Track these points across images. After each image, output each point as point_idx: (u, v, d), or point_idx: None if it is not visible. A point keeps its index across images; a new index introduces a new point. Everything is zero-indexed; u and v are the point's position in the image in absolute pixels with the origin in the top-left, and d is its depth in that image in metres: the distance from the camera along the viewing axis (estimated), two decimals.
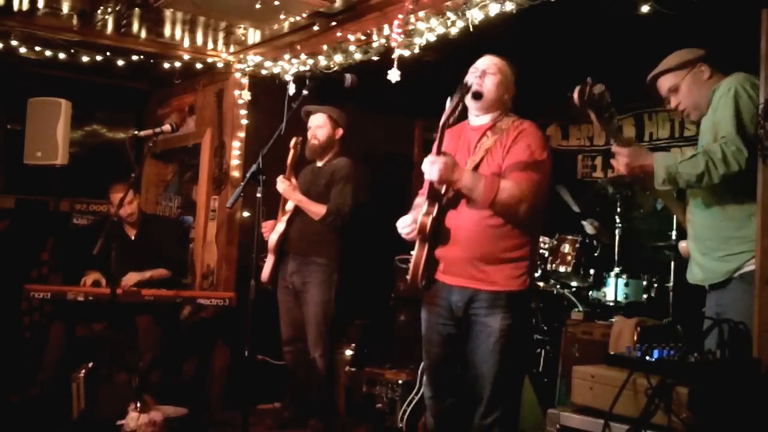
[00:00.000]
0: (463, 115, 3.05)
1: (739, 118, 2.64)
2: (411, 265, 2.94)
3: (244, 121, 5.47)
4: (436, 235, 2.89)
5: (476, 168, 2.91)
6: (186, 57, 5.30)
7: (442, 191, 2.91)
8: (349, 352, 4.94)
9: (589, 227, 4.72)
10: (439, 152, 2.80)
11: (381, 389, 4.55)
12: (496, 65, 3.05)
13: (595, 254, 4.63)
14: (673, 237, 4.28)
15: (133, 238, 5.02)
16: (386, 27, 4.06)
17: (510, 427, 2.93)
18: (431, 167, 2.78)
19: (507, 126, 2.97)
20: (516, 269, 2.87)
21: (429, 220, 2.87)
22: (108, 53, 5.11)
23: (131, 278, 4.70)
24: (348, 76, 3.70)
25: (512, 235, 2.87)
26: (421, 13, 3.84)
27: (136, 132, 4.77)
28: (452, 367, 2.99)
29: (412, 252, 2.98)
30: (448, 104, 2.81)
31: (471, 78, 2.99)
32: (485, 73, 3.02)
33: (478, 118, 3.07)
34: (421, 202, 3.08)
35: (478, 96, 2.95)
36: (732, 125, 2.63)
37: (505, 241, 2.87)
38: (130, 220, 4.97)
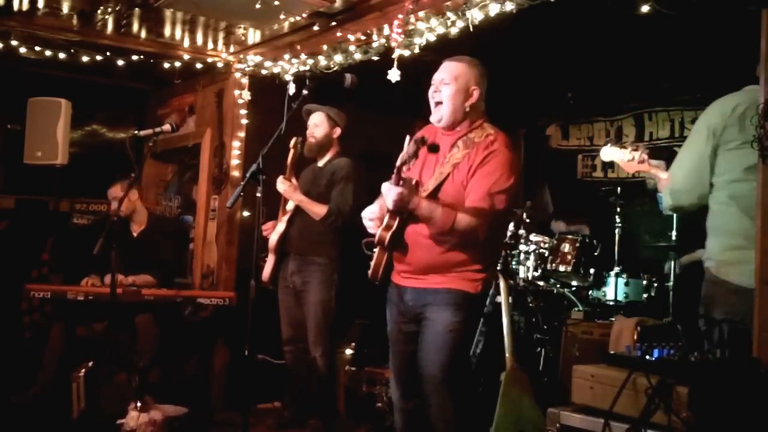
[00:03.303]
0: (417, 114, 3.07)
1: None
2: (372, 265, 3.00)
3: (244, 121, 5.47)
4: (395, 242, 2.90)
5: (442, 183, 2.87)
6: (186, 57, 5.31)
7: None
8: (349, 352, 4.94)
9: (559, 226, 4.79)
10: (397, 184, 2.78)
11: (381, 389, 4.55)
12: (452, 73, 2.93)
13: (595, 254, 4.64)
14: (673, 237, 4.29)
15: (135, 235, 5.01)
16: (386, 27, 4.06)
17: (459, 426, 2.90)
18: (387, 194, 2.78)
19: (479, 140, 2.88)
20: (472, 275, 2.89)
21: (388, 235, 2.87)
22: (108, 53, 5.11)
23: (121, 280, 4.67)
24: (348, 76, 3.70)
25: (469, 247, 2.86)
26: (421, 13, 3.84)
27: (136, 132, 4.76)
28: (415, 365, 2.97)
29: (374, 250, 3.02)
30: (406, 147, 2.78)
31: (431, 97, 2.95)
32: (440, 84, 2.93)
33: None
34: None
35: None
36: None
37: (462, 251, 2.86)
38: (121, 215, 4.82)
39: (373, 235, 2.94)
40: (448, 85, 2.91)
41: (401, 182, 2.78)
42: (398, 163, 2.78)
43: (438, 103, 2.93)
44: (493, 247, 3.02)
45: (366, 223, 3.01)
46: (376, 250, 2.98)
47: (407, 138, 2.84)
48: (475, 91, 2.93)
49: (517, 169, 2.90)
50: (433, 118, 2.95)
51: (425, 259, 2.89)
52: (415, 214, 2.80)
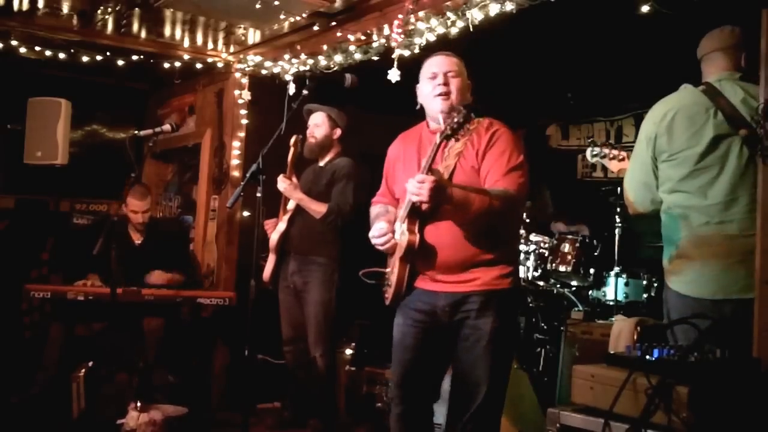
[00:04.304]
0: (420, 116, 2.97)
1: None
2: (393, 284, 2.82)
3: (244, 121, 5.47)
4: (419, 249, 2.77)
5: (450, 176, 2.78)
6: (186, 57, 5.31)
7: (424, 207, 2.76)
8: (349, 352, 4.94)
9: (558, 227, 4.82)
10: (430, 170, 2.61)
11: (381, 389, 4.55)
12: (455, 67, 2.89)
13: (595, 254, 4.64)
14: None
15: (138, 243, 4.96)
16: (386, 27, 4.06)
17: (495, 426, 2.90)
18: (420, 187, 2.55)
19: (475, 127, 2.80)
20: (503, 269, 2.82)
21: (417, 239, 2.72)
22: (108, 53, 5.12)
23: (158, 276, 4.74)
24: (348, 76, 3.70)
25: (494, 237, 2.79)
26: (421, 13, 3.85)
27: (136, 132, 4.76)
28: (423, 374, 2.93)
29: (387, 270, 2.87)
30: (447, 119, 2.66)
31: (431, 86, 2.87)
32: (449, 76, 2.86)
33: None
34: (381, 211, 3.02)
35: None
36: None
37: (489, 243, 2.79)
38: (140, 228, 4.94)
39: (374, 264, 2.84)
40: (457, 78, 2.87)
41: (430, 172, 2.61)
42: (438, 139, 2.64)
43: (445, 94, 2.85)
44: (515, 236, 2.96)
45: (378, 241, 2.85)
46: (394, 268, 2.80)
47: (441, 114, 2.74)
48: (469, 84, 2.95)
49: (522, 147, 2.85)
50: (443, 108, 2.81)
51: (454, 258, 2.78)
52: (452, 200, 2.64)
